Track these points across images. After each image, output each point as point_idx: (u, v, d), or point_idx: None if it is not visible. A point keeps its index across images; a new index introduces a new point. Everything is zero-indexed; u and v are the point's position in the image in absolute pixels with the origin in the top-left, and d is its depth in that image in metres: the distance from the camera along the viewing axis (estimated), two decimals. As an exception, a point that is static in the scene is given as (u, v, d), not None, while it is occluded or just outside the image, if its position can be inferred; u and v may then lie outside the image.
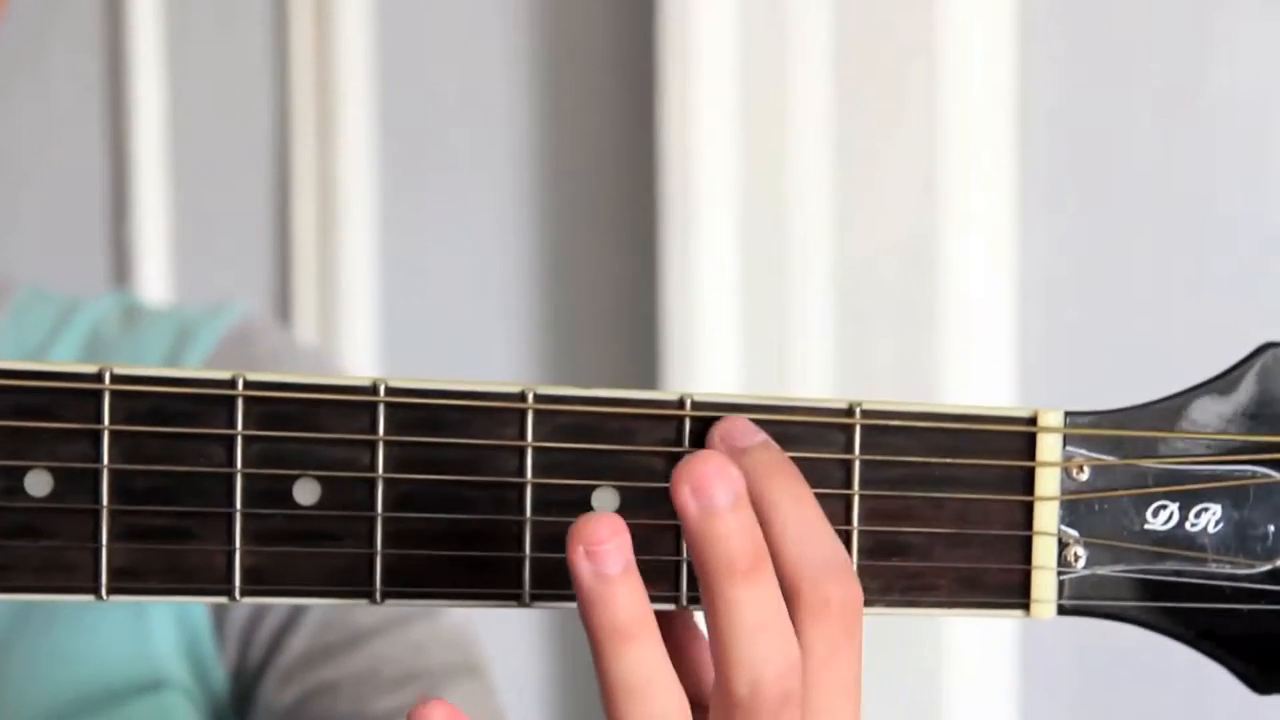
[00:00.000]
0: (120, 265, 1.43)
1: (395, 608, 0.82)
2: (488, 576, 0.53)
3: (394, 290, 1.36)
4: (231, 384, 0.53)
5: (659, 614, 0.52)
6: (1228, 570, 0.52)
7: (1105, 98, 1.13)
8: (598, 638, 0.51)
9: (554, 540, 0.53)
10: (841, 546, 0.51)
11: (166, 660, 0.81)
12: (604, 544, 0.50)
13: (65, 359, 0.86)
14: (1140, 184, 1.13)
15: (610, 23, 1.28)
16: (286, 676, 0.81)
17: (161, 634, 0.81)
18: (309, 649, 0.82)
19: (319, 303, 1.38)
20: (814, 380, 1.17)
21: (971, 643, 1.14)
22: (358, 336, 1.36)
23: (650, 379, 1.23)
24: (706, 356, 1.19)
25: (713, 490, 0.50)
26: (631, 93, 1.26)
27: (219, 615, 0.83)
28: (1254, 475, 0.52)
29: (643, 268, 1.24)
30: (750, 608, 0.50)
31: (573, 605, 0.51)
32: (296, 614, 0.82)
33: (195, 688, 0.82)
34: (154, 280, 1.42)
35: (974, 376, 1.14)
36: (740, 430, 0.53)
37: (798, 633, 0.51)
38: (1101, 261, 1.14)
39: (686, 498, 0.50)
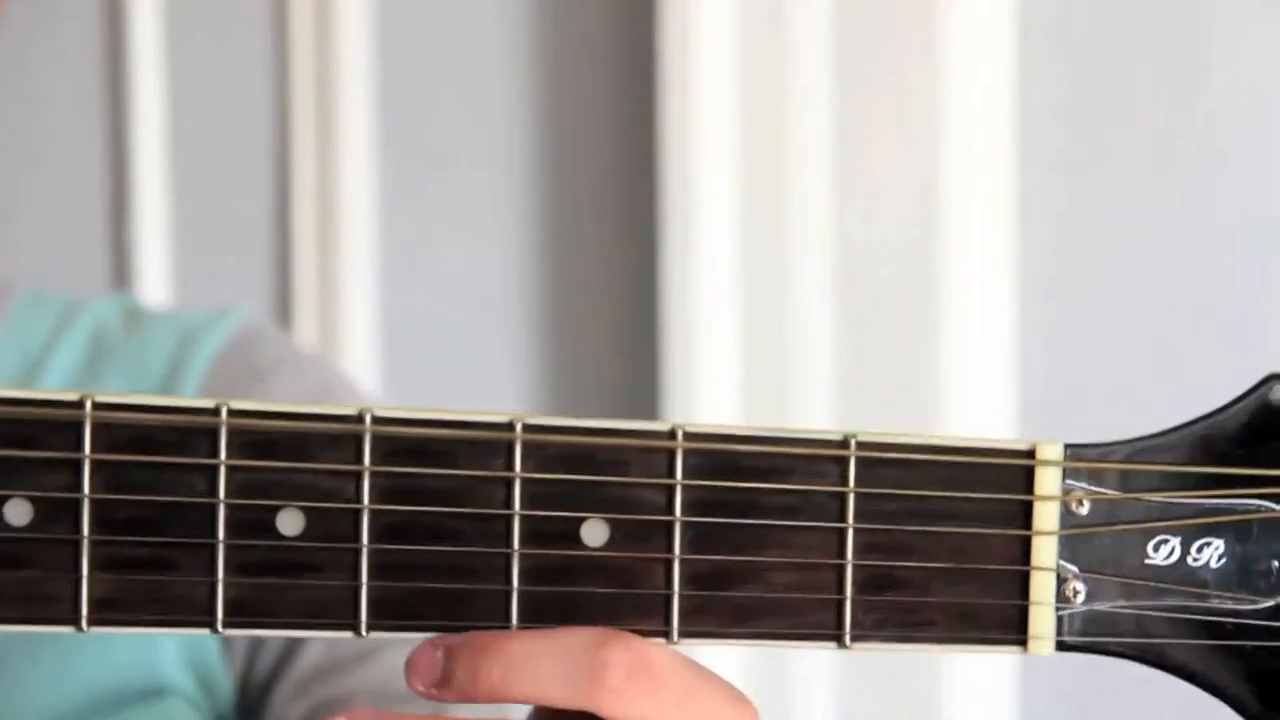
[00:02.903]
0: (120, 265, 1.43)
1: None
2: (475, 609, 0.52)
3: (394, 292, 1.36)
4: (215, 412, 0.52)
5: None
6: (1230, 606, 0.52)
7: (1105, 97, 1.13)
8: None
9: (543, 573, 0.52)
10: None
11: (171, 667, 0.80)
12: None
13: (68, 363, 0.86)
14: (1140, 184, 1.13)
15: (610, 23, 1.28)
16: (299, 689, 0.81)
17: (167, 642, 0.80)
18: (321, 661, 0.81)
19: (319, 304, 1.37)
20: (813, 381, 1.17)
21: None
22: (357, 339, 1.35)
23: (650, 380, 1.23)
24: (706, 360, 1.19)
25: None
26: (631, 93, 1.26)
27: None
28: (1258, 510, 0.51)
29: (643, 268, 1.24)
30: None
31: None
32: None
33: (199, 695, 0.81)
34: (154, 281, 1.41)
35: (974, 376, 1.14)
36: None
37: None
38: (1101, 262, 1.14)
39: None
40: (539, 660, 0.51)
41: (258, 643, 0.82)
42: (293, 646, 0.82)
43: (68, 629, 0.52)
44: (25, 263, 1.43)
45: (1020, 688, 1.16)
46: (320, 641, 0.81)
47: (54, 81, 1.43)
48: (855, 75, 1.16)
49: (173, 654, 0.80)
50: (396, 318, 1.36)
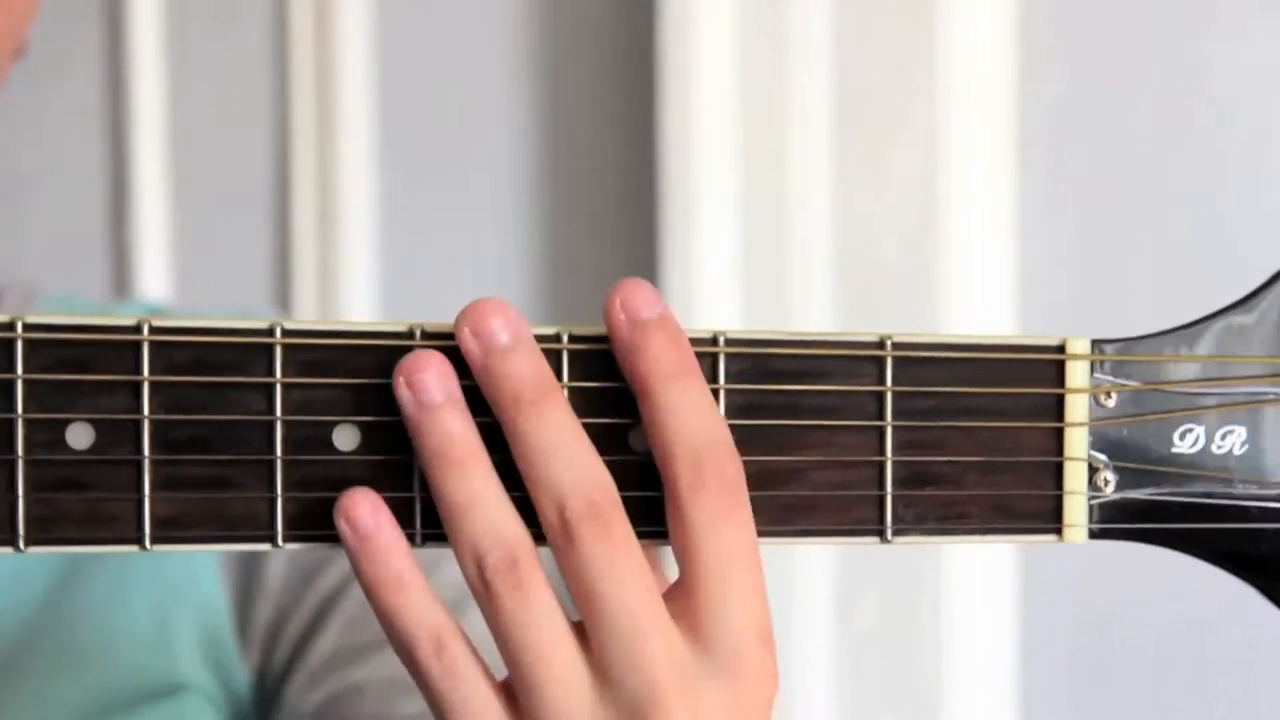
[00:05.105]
0: (120, 266, 1.44)
1: None
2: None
3: (394, 291, 1.36)
4: (269, 332, 0.53)
5: None
6: (1254, 491, 0.53)
7: (1105, 98, 1.13)
8: (424, 462, 0.53)
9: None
10: (721, 423, 0.53)
11: (188, 663, 0.80)
12: (422, 373, 0.53)
13: None
14: (1140, 184, 1.13)
15: (610, 23, 1.28)
16: (314, 677, 0.81)
17: (183, 637, 0.80)
18: (338, 649, 0.81)
19: (319, 303, 1.38)
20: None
21: (972, 641, 1.14)
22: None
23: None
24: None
25: (492, 329, 0.54)
26: (631, 93, 1.26)
27: (242, 617, 0.82)
28: (1278, 397, 0.53)
29: (643, 268, 1.24)
30: (540, 433, 0.53)
31: None
32: (323, 614, 0.82)
33: (216, 691, 0.81)
34: (154, 281, 1.42)
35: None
36: (643, 301, 0.54)
37: (676, 507, 0.53)
38: (1101, 262, 1.14)
39: (467, 338, 0.54)
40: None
41: (275, 633, 0.82)
42: (310, 634, 0.82)
43: (132, 548, 0.54)
44: (27, 262, 1.43)
45: (1021, 687, 1.16)
46: (337, 629, 0.81)
47: (55, 82, 1.44)
48: (855, 75, 1.17)
49: (191, 650, 0.81)
50: (397, 316, 1.36)
